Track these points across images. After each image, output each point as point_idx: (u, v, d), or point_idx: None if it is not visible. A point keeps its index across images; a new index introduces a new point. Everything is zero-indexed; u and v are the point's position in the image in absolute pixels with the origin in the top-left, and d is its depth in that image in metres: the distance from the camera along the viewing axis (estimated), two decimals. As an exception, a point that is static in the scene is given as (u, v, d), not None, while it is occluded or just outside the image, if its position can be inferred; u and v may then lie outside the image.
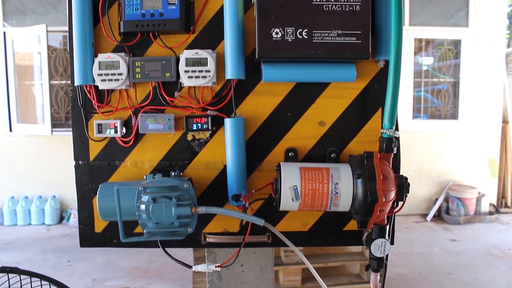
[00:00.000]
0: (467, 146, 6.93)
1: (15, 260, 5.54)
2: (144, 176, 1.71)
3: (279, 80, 1.72)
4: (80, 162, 1.79)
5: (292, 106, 1.75)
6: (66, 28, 1.78)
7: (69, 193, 6.07)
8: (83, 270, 4.92)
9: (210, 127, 1.70)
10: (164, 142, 1.76)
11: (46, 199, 6.08)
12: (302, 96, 1.75)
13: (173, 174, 1.75)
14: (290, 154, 1.75)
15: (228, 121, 1.69)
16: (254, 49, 1.69)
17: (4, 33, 5.99)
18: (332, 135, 1.77)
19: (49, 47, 5.70)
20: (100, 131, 1.73)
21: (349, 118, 1.77)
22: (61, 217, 6.11)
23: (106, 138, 1.77)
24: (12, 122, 6.08)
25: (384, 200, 1.56)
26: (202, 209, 1.54)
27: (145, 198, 1.54)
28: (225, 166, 1.76)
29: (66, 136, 6.04)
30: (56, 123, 6.11)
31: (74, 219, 5.89)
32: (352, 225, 1.81)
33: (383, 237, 1.66)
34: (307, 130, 1.76)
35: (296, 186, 1.59)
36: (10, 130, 6.11)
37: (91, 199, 1.79)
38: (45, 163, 6.13)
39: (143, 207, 1.53)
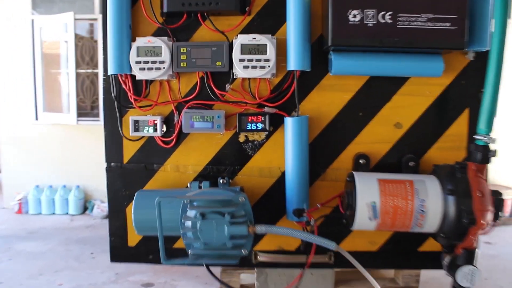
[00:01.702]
0: (503, 146, 6.47)
1: (39, 250, 5.30)
2: (188, 184, 1.38)
3: (350, 73, 1.38)
4: (112, 164, 1.47)
5: (364, 104, 1.41)
6: (94, 16, 1.44)
7: (93, 184, 5.80)
8: (106, 263, 4.64)
9: (267, 127, 1.37)
10: (211, 144, 1.43)
11: (70, 188, 5.84)
12: (376, 93, 1.41)
13: (221, 181, 1.43)
14: (361, 161, 1.40)
15: (289, 121, 1.36)
16: (321, 35, 1.35)
17: (32, 20, 5.71)
18: (409, 139, 1.42)
19: (76, 35, 5.41)
20: (136, 129, 1.41)
21: (430, 120, 1.42)
22: (85, 207, 5.86)
23: (143, 137, 1.45)
24: (38, 110, 5.82)
25: (481, 222, 1.22)
26: (261, 229, 1.21)
27: (191, 213, 1.22)
28: (283, 174, 1.42)
29: (91, 126, 5.76)
30: (81, 112, 5.84)
31: (97, 210, 5.63)
32: (429, 245, 1.47)
33: (472, 263, 1.32)
34: (380, 133, 1.41)
35: (374, 202, 1.25)
36: (36, 118, 5.86)
37: (124, 207, 1.48)
38: (70, 152, 5.87)
39: (189, 224, 1.21)
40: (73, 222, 5.86)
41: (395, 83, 1.41)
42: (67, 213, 5.88)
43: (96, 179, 5.66)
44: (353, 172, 1.31)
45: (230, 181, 1.44)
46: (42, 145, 5.92)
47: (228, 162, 1.44)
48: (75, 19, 5.22)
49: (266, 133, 1.42)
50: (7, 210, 6.05)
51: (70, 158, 5.86)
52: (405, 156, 1.42)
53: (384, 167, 1.43)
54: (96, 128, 5.64)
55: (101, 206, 5.62)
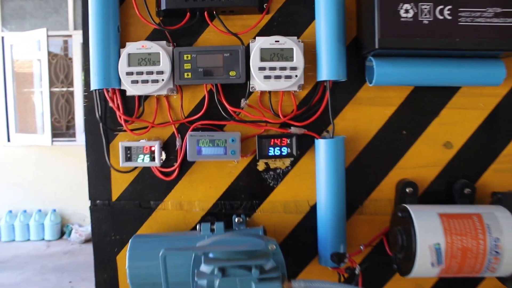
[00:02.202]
0: None
1: (13, 281, 4.81)
2: (197, 226, 1.05)
3: (394, 83, 1.09)
4: (98, 202, 1.13)
5: (408, 120, 1.12)
6: (68, 32, 1.14)
7: (70, 207, 5.35)
8: (86, 293, 4.20)
9: (294, 152, 1.06)
10: (223, 174, 1.11)
11: (46, 213, 5.36)
12: (422, 107, 1.12)
13: (236, 220, 1.10)
14: (407, 190, 1.10)
15: (322, 143, 1.05)
16: (355, 37, 1.06)
17: (2, 38, 5.27)
18: (461, 161, 1.14)
19: (49, 53, 5.00)
20: (128, 158, 1.08)
21: (484, 138, 1.13)
22: (62, 232, 5.39)
23: (136, 168, 1.11)
24: (10, 131, 5.35)
25: None
26: (299, 285, 0.88)
27: (207, 268, 0.89)
28: (312, 208, 1.12)
29: (67, 146, 5.33)
30: (56, 133, 5.40)
31: (75, 235, 5.17)
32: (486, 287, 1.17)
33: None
34: (428, 155, 1.13)
35: (439, 244, 0.96)
36: (8, 140, 5.38)
37: (114, 255, 1.13)
38: (45, 174, 5.40)
39: (204, 283, 0.88)
40: (49, 248, 5.38)
41: (443, 95, 1.12)
42: (43, 239, 5.39)
43: (73, 202, 5.22)
44: (407, 206, 1.01)
45: (247, 219, 1.12)
46: (15, 167, 5.44)
47: (244, 196, 1.12)
48: (48, 36, 4.81)
49: (291, 159, 1.11)
50: (-23, 238, 5.53)
51: (45, 181, 5.38)
52: (458, 182, 1.13)
53: (432, 195, 1.13)
54: (72, 149, 5.22)
55: (79, 231, 5.17)
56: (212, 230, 1.05)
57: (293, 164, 1.11)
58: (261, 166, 1.11)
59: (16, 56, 5.32)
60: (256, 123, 1.09)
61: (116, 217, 1.13)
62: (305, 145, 1.11)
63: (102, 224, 1.13)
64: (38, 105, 5.33)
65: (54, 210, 5.38)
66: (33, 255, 5.22)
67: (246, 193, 1.12)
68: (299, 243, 1.13)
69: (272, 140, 1.07)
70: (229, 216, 1.12)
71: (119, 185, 1.13)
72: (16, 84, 5.37)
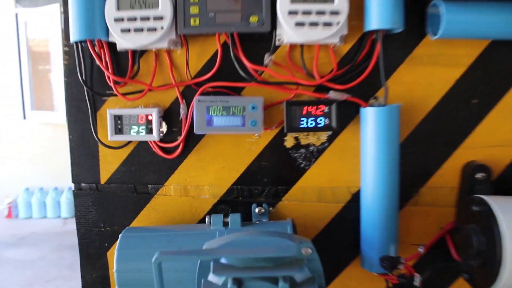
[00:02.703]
0: None
1: (29, 258, 4.66)
2: (206, 219, 0.78)
3: (466, 35, 0.79)
4: (83, 185, 0.87)
5: (480, 86, 0.82)
6: None
7: (87, 185, 5.16)
8: (100, 273, 4.01)
9: (334, 124, 0.77)
10: (241, 151, 0.84)
11: (62, 190, 5.19)
12: (500, 68, 0.82)
13: (257, 211, 0.83)
14: (478, 175, 0.81)
15: (370, 113, 0.77)
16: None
17: (16, 14, 5.03)
18: (547, 139, 0.83)
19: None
20: (119, 130, 0.81)
21: None
22: (78, 210, 5.22)
23: (130, 143, 0.84)
24: (25, 109, 5.15)
25: None
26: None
27: (217, 279, 0.62)
28: (354, 197, 0.83)
29: (83, 125, 5.12)
30: (72, 111, 5.19)
31: (91, 212, 5.00)
32: None
33: None
34: (505, 131, 0.83)
35: (535, 251, 0.67)
36: (24, 117, 5.19)
37: (103, 250, 0.88)
38: (61, 152, 5.20)
39: (214, 299, 0.61)
40: (66, 226, 5.22)
41: (527, 51, 0.82)
42: (59, 216, 5.24)
43: (89, 180, 5.03)
44: (484, 197, 0.73)
45: (271, 209, 0.85)
46: (31, 145, 5.26)
47: (267, 180, 0.84)
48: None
49: (329, 133, 0.83)
50: (-4, 215, 5.41)
51: (61, 158, 5.20)
52: (542, 166, 0.83)
53: (510, 183, 0.84)
54: (88, 127, 5.00)
55: (95, 209, 4.98)
56: (225, 224, 0.78)
57: (330, 139, 0.83)
58: (289, 142, 0.83)
59: (31, 34, 5.09)
60: (284, 86, 0.81)
61: (106, 205, 0.87)
62: (347, 115, 0.82)
63: (89, 212, 0.88)
64: (55, 82, 5.11)
65: (70, 188, 5.20)
66: (50, 233, 5.08)
67: (270, 177, 0.84)
68: (336, 241, 0.86)
69: (305, 107, 0.79)
70: (247, 205, 0.85)
71: (109, 164, 0.86)
72: (32, 62, 5.14)
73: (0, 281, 3.61)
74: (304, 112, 0.79)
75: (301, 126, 0.79)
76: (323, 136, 0.83)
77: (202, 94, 0.81)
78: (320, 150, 0.84)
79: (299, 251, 0.63)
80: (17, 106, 5.10)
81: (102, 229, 0.88)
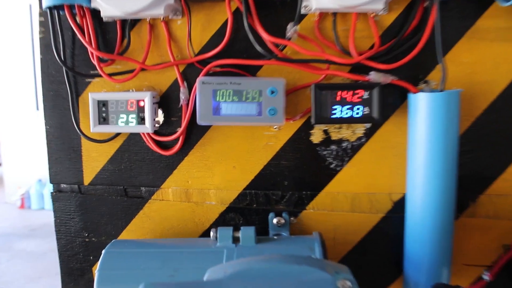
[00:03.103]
0: None
1: (40, 249, 4.54)
2: (211, 233, 0.59)
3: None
4: (63, 186, 0.69)
5: None
6: None
7: (99, 177, 5.03)
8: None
9: (375, 113, 0.58)
10: (256, 147, 0.65)
11: (75, 182, 5.05)
12: None
13: (275, 222, 0.64)
14: (559, 181, 0.61)
15: (422, 100, 0.57)
16: None
17: (30, 6, 4.89)
18: None
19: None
20: (104, 119, 0.63)
21: None
22: (90, 202, 5.10)
23: (119, 134, 0.66)
24: (38, 99, 5.03)
25: None
26: None
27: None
28: (397, 206, 0.64)
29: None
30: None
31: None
32: None
33: None
34: None
35: None
36: (37, 108, 5.06)
37: (88, 265, 0.70)
38: (73, 144, 5.08)
39: None
40: (77, 217, 5.12)
41: None
42: (71, 208, 5.14)
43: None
44: None
45: (292, 219, 0.66)
46: (44, 136, 5.14)
47: (288, 184, 0.66)
48: None
49: (368, 126, 0.63)
50: (9, 205, 5.32)
51: (74, 150, 5.08)
52: None
53: None
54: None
55: (106, 201, 4.85)
56: (235, 240, 0.60)
57: (369, 134, 0.64)
58: (317, 136, 0.65)
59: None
60: (312, 65, 0.62)
61: (91, 210, 0.70)
62: (390, 104, 0.63)
63: (71, 219, 0.70)
64: (67, 74, 4.98)
65: (82, 180, 5.08)
66: (62, 224, 4.97)
67: (292, 179, 0.66)
68: (373, 259, 0.67)
69: (339, 93, 0.60)
70: (262, 214, 0.67)
71: (93, 161, 0.68)
72: (45, 53, 5.02)
73: (10, 273, 3.49)
74: (338, 98, 0.60)
75: (333, 116, 0.60)
76: (360, 129, 0.64)
77: (208, 74, 0.63)
78: (356, 147, 0.65)
79: (334, 285, 0.45)
80: (30, 97, 4.99)
81: (87, 240, 0.71)
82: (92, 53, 0.64)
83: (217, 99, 0.60)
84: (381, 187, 0.65)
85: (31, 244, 4.62)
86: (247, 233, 0.59)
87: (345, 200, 0.66)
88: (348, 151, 0.65)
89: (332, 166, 0.65)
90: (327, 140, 0.65)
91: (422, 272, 0.63)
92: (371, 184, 0.65)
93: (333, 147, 0.65)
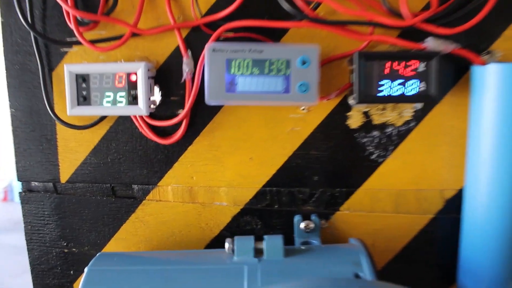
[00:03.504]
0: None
1: (24, 243, 4.31)
2: (226, 244, 0.44)
3: None
4: (34, 184, 0.53)
5: None
6: None
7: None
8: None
9: (433, 90, 0.43)
10: (278, 133, 0.50)
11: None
12: None
13: (303, 226, 0.50)
14: None
15: (493, 73, 0.43)
16: None
17: None
18: None
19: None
20: (84, 99, 0.47)
21: None
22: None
23: (104, 118, 0.50)
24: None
25: None
26: None
27: None
28: (449, 205, 0.50)
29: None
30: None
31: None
32: None
33: None
34: None
35: None
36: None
37: (68, 281, 0.55)
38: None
39: None
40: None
41: None
42: (56, 200, 4.93)
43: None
44: None
45: (323, 223, 0.52)
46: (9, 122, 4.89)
47: (318, 180, 0.51)
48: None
49: (417, 107, 0.49)
50: (-9, 198, 5.08)
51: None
52: None
53: None
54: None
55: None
56: (258, 252, 0.45)
57: (419, 116, 0.50)
58: (355, 119, 0.50)
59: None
60: (351, 28, 0.47)
61: (70, 214, 0.54)
62: (447, 78, 0.49)
63: (45, 225, 0.55)
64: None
65: (67, 172, 4.86)
66: (46, 217, 4.76)
67: (323, 173, 0.52)
68: (420, 268, 0.54)
69: (388, 64, 0.45)
70: (286, 217, 0.52)
71: (72, 153, 0.53)
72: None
73: (-6, 267, 3.30)
74: (387, 71, 0.46)
75: (381, 94, 0.46)
76: (408, 111, 0.50)
77: (218, 40, 0.48)
78: (403, 134, 0.51)
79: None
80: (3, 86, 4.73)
81: (66, 250, 0.55)
82: (68, 13, 0.48)
83: (232, 71, 0.46)
84: (431, 182, 0.52)
85: (15, 238, 4.40)
86: (273, 243, 0.45)
87: (388, 198, 0.52)
88: (394, 138, 0.51)
89: (373, 157, 0.51)
90: (368, 125, 0.50)
91: (482, 284, 0.50)
92: (419, 179, 0.51)
93: (375, 133, 0.50)
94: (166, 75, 0.50)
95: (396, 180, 0.52)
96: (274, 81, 0.46)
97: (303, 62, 0.45)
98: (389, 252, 0.53)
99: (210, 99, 0.46)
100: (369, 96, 0.46)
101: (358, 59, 0.45)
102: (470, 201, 0.50)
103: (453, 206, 0.52)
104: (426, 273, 0.54)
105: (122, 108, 0.48)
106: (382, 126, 0.50)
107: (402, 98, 0.47)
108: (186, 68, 0.48)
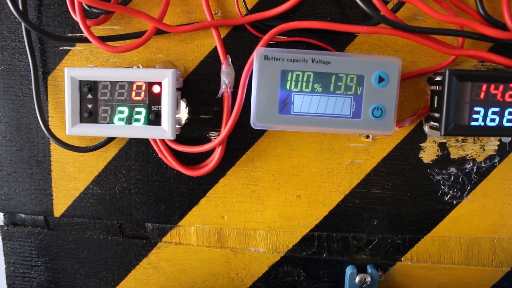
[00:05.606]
0: None
1: None
2: None
3: None
4: (20, 217, 0.36)
5: None
6: None
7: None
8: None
9: None
10: (334, 166, 0.35)
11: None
12: None
13: (357, 280, 0.35)
14: None
15: None
16: None
17: None
18: None
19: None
20: (89, 114, 0.30)
21: None
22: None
23: (112, 140, 0.34)
24: None
25: None
26: None
27: None
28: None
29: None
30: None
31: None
32: None
33: None
34: None
35: None
36: None
37: (59, 335, 0.38)
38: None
39: None
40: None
41: None
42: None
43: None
44: None
45: (380, 275, 0.37)
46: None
47: (379, 223, 0.36)
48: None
49: (507, 141, 0.35)
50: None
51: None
52: None
53: None
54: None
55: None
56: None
57: (503, 152, 0.36)
58: (429, 152, 0.36)
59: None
60: (436, 38, 0.33)
61: (64, 255, 0.38)
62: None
63: (32, 268, 0.38)
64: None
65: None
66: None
67: (385, 216, 0.37)
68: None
69: (484, 86, 0.31)
70: (336, 267, 0.37)
71: (70, 181, 0.37)
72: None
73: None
74: (482, 95, 0.31)
75: (474, 123, 0.32)
76: (492, 143, 0.36)
77: (269, 45, 0.33)
78: (484, 172, 0.36)
79: None
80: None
81: (56, 298, 0.39)
82: (72, 1, 0.32)
83: (287, 86, 0.31)
84: (510, 229, 0.38)
85: None
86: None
87: (459, 247, 0.38)
88: (473, 177, 0.36)
89: (446, 198, 0.37)
90: (444, 159, 0.36)
91: None
92: (498, 226, 0.37)
93: (452, 169, 0.36)
94: (196, 87, 0.35)
95: (470, 226, 0.37)
96: (340, 102, 0.31)
97: (380, 80, 0.31)
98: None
99: (257, 122, 0.31)
100: (460, 127, 0.32)
101: (449, 78, 0.31)
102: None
103: (535, 258, 0.38)
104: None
105: (140, 129, 0.32)
106: (461, 161, 0.36)
107: (498, 130, 0.32)
108: (226, 79, 0.33)
